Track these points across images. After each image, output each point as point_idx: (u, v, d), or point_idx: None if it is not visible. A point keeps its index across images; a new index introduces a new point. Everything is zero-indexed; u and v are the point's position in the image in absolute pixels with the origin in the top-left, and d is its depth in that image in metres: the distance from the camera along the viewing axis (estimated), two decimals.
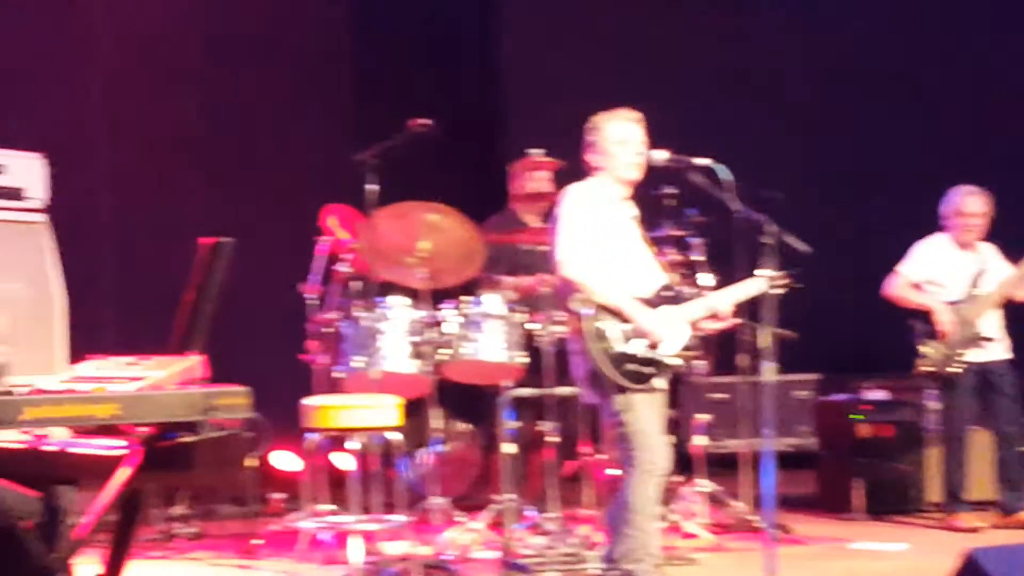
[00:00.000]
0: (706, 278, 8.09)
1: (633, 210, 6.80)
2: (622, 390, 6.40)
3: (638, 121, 6.68)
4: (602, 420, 6.68)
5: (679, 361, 6.57)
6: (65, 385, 5.00)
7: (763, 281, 6.58)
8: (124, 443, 4.93)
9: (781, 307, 6.40)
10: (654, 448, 6.40)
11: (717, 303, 6.74)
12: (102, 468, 4.96)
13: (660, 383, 6.53)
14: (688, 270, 8.12)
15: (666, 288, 6.64)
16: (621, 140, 6.63)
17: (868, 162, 11.68)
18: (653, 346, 6.44)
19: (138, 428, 4.84)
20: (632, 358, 6.40)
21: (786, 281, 6.58)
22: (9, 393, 4.60)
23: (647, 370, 6.43)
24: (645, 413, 6.42)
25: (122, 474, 4.85)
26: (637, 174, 6.70)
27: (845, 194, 11.52)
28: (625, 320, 6.42)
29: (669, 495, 8.33)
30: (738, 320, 7.58)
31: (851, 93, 12.09)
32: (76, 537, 4.99)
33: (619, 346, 6.39)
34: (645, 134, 6.67)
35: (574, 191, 6.71)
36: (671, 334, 6.49)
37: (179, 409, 4.73)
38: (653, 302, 6.53)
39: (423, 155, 8.12)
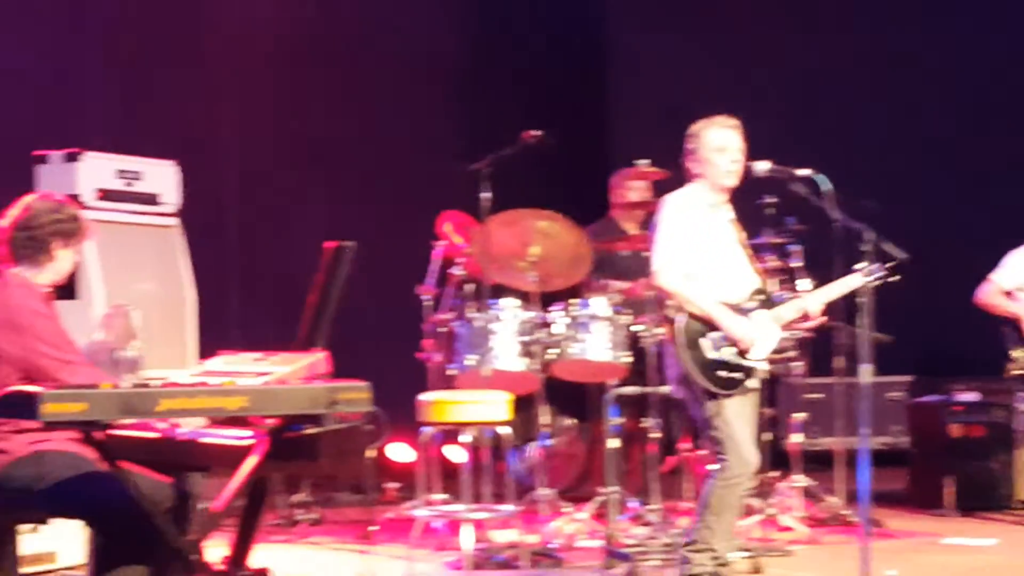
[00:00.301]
0: (804, 283, 8.04)
1: (730, 213, 6.69)
2: (713, 396, 6.32)
3: (735, 128, 6.54)
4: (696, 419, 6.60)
5: (767, 366, 6.49)
6: (197, 378, 5.05)
7: (859, 276, 6.41)
8: (252, 434, 4.97)
9: (876, 312, 6.31)
10: (741, 454, 6.30)
11: (807, 303, 6.63)
12: (231, 457, 4.99)
13: (751, 385, 6.45)
14: (787, 276, 8.05)
15: (759, 292, 6.54)
16: (719, 147, 6.48)
17: (965, 172, 11.52)
18: (743, 352, 6.36)
19: (265, 420, 4.86)
20: (722, 364, 6.31)
21: (883, 274, 6.38)
22: (145, 386, 4.62)
23: (737, 375, 6.34)
24: (734, 418, 6.33)
25: (250, 463, 4.87)
26: (734, 181, 6.55)
27: (941, 203, 11.34)
28: (716, 328, 6.34)
29: (767, 490, 8.29)
30: (827, 320, 7.54)
31: (953, 98, 11.91)
32: (206, 521, 5.04)
33: (710, 353, 6.30)
34: (743, 141, 6.54)
35: (672, 200, 6.60)
36: (761, 339, 6.39)
37: (304, 402, 4.73)
38: (744, 307, 6.44)
39: (532, 165, 8.09)
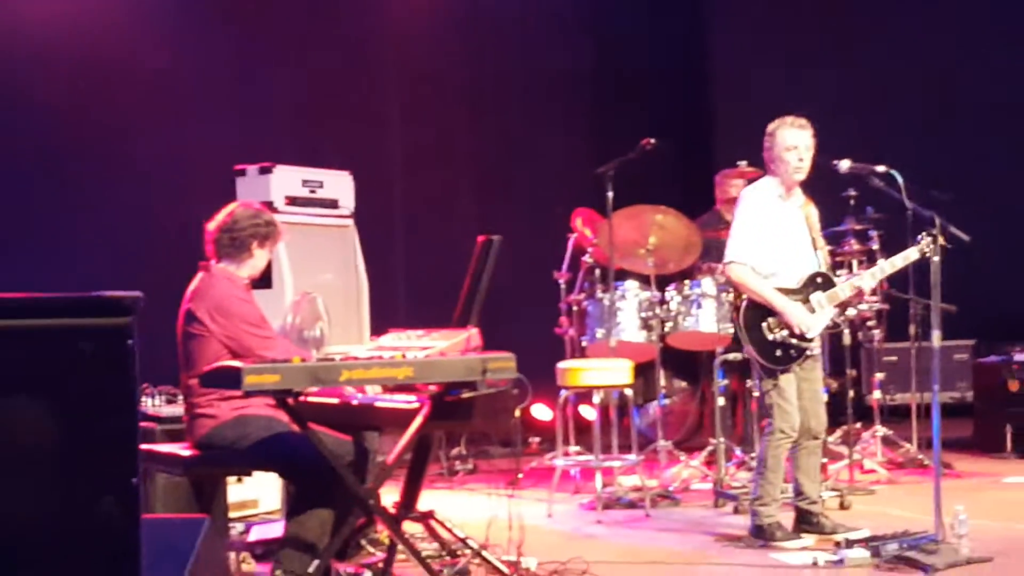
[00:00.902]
0: (883, 264, 7.90)
1: (801, 199, 6.39)
2: (770, 372, 6.17)
3: (805, 128, 6.24)
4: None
5: (818, 344, 6.29)
6: (371, 353, 5.06)
7: (915, 250, 6.21)
8: (417, 398, 4.98)
9: (944, 285, 6.14)
10: (790, 418, 6.13)
11: (862, 282, 6.47)
12: (400, 418, 5.04)
13: (803, 360, 6.22)
14: (866, 258, 7.90)
15: (818, 275, 6.28)
16: (790, 146, 6.20)
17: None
18: (796, 333, 6.19)
19: (428, 386, 4.88)
20: (779, 345, 6.14)
21: (940, 243, 6.04)
22: (329, 359, 4.65)
23: (792, 353, 6.16)
24: (787, 389, 6.15)
25: (416, 423, 4.91)
26: (802, 176, 6.27)
27: (1008, 193, 11.07)
28: (773, 313, 6.15)
29: (852, 438, 8.16)
30: (880, 296, 7.40)
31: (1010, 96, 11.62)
32: (381, 472, 5.05)
33: (768, 335, 6.15)
34: (813, 139, 6.25)
35: (748, 193, 6.39)
36: (813, 320, 6.20)
37: (460, 371, 4.76)
38: (801, 291, 6.22)
39: (649, 167, 8.01)
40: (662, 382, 8.22)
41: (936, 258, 5.95)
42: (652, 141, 7.72)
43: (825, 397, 7.91)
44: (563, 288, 8.27)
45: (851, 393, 8.32)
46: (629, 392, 7.46)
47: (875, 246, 8.01)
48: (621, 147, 7.82)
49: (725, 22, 12.25)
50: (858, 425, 8.44)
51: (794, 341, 6.15)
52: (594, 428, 7.30)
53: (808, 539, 6.09)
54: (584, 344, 7.96)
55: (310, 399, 5.15)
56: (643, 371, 8.21)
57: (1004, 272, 9.25)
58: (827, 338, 8.50)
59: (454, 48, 10.82)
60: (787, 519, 6.26)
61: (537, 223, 9.60)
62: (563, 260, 8.31)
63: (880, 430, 8.50)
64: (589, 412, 7.92)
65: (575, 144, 11.09)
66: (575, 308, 8.14)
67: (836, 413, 8.34)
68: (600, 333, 7.81)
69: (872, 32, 11.79)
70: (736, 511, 6.92)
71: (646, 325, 7.83)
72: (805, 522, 6.26)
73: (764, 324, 6.16)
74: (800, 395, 6.22)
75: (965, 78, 11.55)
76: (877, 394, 8.71)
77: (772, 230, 6.26)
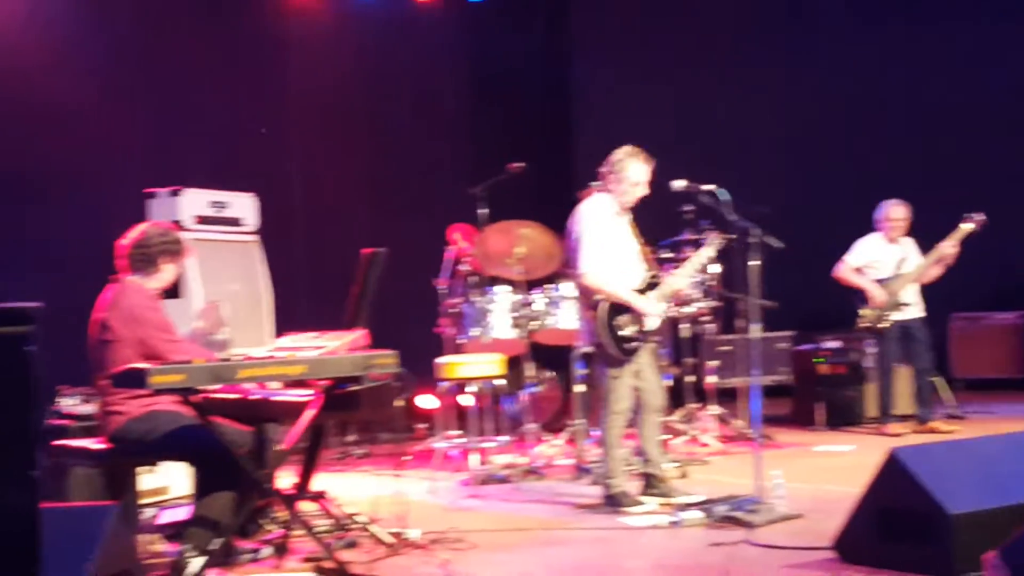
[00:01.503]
0: (714, 268, 7.96)
1: (628, 216, 6.36)
2: (618, 362, 6.13)
3: (649, 161, 6.23)
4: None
5: (657, 334, 6.33)
6: (268, 353, 4.92)
7: (707, 250, 6.54)
8: (310, 392, 4.86)
9: (768, 285, 6.19)
10: (624, 401, 6.16)
11: (675, 280, 6.51)
12: (295, 410, 4.92)
13: (644, 349, 6.23)
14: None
15: (651, 277, 6.31)
16: (637, 181, 6.21)
17: (828, 190, 11.47)
18: (641, 326, 6.17)
19: (320, 381, 4.77)
20: (629, 338, 6.13)
21: (725, 241, 6.58)
22: (229, 360, 4.51)
23: (636, 344, 6.16)
24: (625, 377, 6.16)
25: (309, 414, 4.80)
26: (635, 202, 6.30)
27: (815, 208, 11.25)
28: (625, 311, 6.12)
29: (690, 417, 8.17)
30: (710, 298, 7.53)
31: (818, 130, 11.83)
32: (278, 458, 4.92)
33: (620, 331, 6.12)
34: (653, 173, 6.26)
35: (587, 210, 6.30)
36: (655, 313, 6.22)
37: (347, 367, 4.67)
38: (643, 290, 6.23)
39: (517, 187, 7.93)
40: (530, 373, 8.14)
41: (753, 262, 5.98)
42: (518, 165, 7.65)
43: (669, 381, 8.01)
44: (443, 293, 8.16)
45: (691, 378, 8.35)
46: (501, 382, 7.39)
47: (718, 249, 8.01)
48: (494, 170, 7.74)
49: (586, 53, 12.25)
50: (696, 405, 8.49)
51: (639, 335, 6.13)
52: (470, 414, 7.21)
53: (651, 504, 6.07)
54: (462, 342, 7.87)
55: (216, 396, 5.00)
56: (513, 364, 8.13)
57: (819, 273, 9.34)
58: (669, 331, 8.58)
59: (348, 76, 10.61)
60: (637, 488, 6.25)
61: (421, 236, 9.48)
62: (443, 269, 8.20)
63: (714, 409, 8.57)
64: (466, 400, 7.80)
65: (453, 167, 11.00)
66: (453, 310, 8.04)
67: (677, 395, 8.39)
68: (475, 332, 7.71)
69: (720, 61, 11.91)
70: (593, 483, 6.87)
71: (515, 324, 7.75)
72: (651, 487, 6.27)
73: (615, 322, 6.12)
74: (644, 378, 6.23)
75: (795, 109, 11.78)
76: (712, 379, 8.79)
77: (612, 241, 6.24)
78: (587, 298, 6.23)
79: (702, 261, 6.79)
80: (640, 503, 6.07)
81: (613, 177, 6.25)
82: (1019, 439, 5.16)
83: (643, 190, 6.25)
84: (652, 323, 6.20)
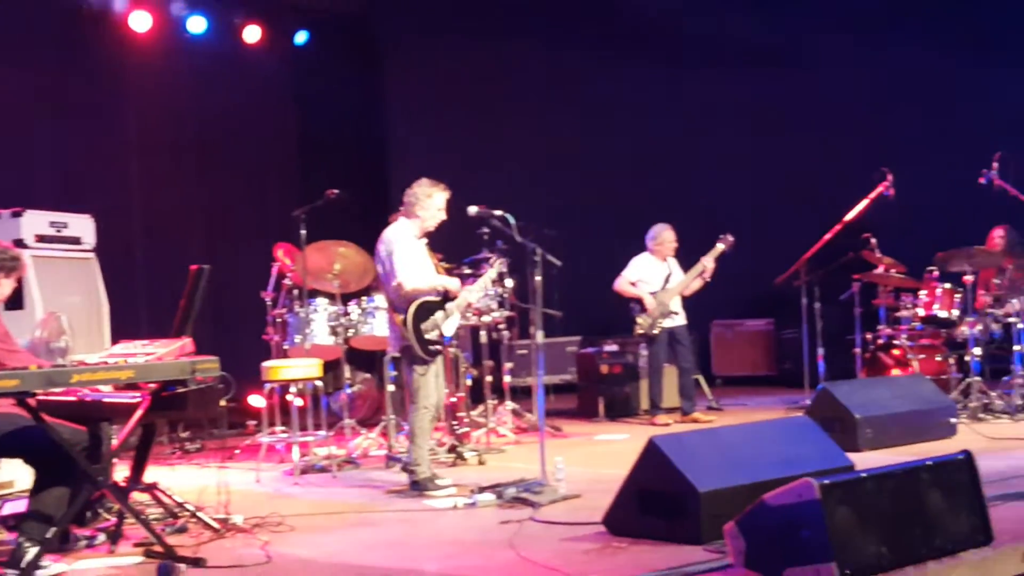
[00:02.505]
0: (509, 282, 8.10)
1: (425, 240, 6.46)
2: (423, 361, 6.21)
3: (447, 190, 6.37)
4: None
5: (454, 339, 6.52)
6: (101, 360, 4.80)
7: (491, 272, 6.90)
8: (139, 394, 4.77)
9: (559, 297, 6.35)
10: (432, 397, 6.24)
11: (467, 296, 6.57)
12: (125, 410, 4.81)
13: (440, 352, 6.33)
14: (498, 279, 8.03)
15: (446, 291, 6.42)
16: (441, 207, 6.34)
17: (607, 219, 11.72)
18: (441, 333, 6.26)
19: (148, 384, 4.67)
20: (432, 341, 6.22)
21: (499, 267, 6.99)
22: (63, 366, 4.39)
23: (437, 348, 6.25)
24: (430, 375, 6.23)
25: (138, 413, 4.71)
26: (436, 225, 6.41)
27: (596, 231, 11.49)
28: (428, 317, 6.20)
29: (489, 411, 8.29)
30: (484, 309, 7.66)
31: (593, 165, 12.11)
32: (111, 453, 4.80)
33: (425, 335, 6.20)
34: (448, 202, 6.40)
35: (397, 231, 6.36)
36: (453, 321, 6.36)
37: (173, 372, 4.57)
38: (440, 302, 6.32)
39: (335, 211, 7.91)
40: (347, 375, 8.13)
41: (538, 278, 6.14)
42: (335, 192, 7.66)
43: (470, 381, 8.10)
44: (269, 304, 8.07)
45: (490, 378, 8.46)
46: (320, 383, 7.36)
47: (504, 269, 8.16)
48: (317, 193, 7.72)
49: (398, 93, 12.28)
50: (494, 401, 8.56)
51: (440, 338, 6.22)
52: (293, 411, 7.17)
53: (451, 488, 6.14)
54: (286, 347, 7.81)
55: (53, 398, 4.84)
56: (332, 367, 8.12)
57: (599, 287, 9.58)
58: (471, 337, 8.69)
59: (184, 108, 10.40)
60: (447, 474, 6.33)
61: (248, 253, 9.37)
62: (268, 282, 8.11)
63: (510, 405, 8.70)
64: (291, 399, 7.71)
65: (283, 192, 10.87)
66: (278, 320, 7.96)
67: (478, 393, 8.49)
68: (298, 339, 7.67)
69: (509, 109, 12.08)
70: (402, 470, 6.90)
71: (333, 331, 7.78)
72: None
73: (421, 326, 6.18)
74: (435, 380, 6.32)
75: (578, 148, 12.05)
76: (508, 378, 8.92)
77: (417, 260, 6.35)
78: (397, 307, 6.28)
79: (489, 279, 6.97)
80: (442, 488, 6.13)
81: (417, 205, 6.35)
82: (758, 428, 5.45)
83: (442, 215, 6.37)
84: (449, 328, 6.31)
